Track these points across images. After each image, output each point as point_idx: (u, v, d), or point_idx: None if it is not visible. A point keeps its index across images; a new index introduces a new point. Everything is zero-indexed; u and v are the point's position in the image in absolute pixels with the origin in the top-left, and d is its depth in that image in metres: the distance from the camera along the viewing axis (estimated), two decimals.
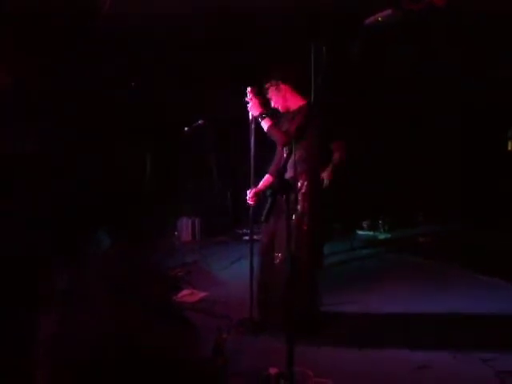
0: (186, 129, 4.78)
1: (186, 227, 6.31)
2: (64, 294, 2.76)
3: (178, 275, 4.58)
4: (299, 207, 3.17)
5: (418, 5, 4.27)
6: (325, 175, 4.77)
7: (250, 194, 3.37)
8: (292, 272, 2.94)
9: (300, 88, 3.34)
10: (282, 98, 3.34)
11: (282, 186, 2.14)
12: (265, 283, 3.28)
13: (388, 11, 4.36)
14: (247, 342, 3.06)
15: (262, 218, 2.17)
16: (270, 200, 2.08)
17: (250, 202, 3.36)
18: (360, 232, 6.73)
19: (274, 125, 3.22)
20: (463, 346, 2.89)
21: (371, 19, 4.46)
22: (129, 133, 5.68)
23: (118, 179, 5.49)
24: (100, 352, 2.09)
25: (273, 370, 2.50)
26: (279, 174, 2.50)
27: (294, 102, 3.32)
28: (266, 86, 3.36)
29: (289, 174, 3.14)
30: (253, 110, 3.25)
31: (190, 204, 6.27)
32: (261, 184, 3.43)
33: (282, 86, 3.34)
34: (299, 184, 3.19)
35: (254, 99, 3.24)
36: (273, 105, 3.36)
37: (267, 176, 3.46)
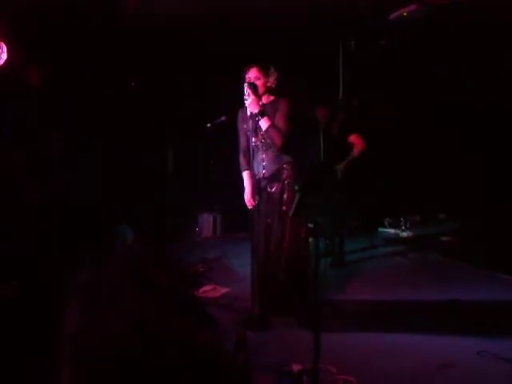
0: (208, 125, 4.80)
1: (207, 223, 6.34)
2: (88, 289, 2.80)
3: (199, 271, 4.61)
4: (285, 196, 3.23)
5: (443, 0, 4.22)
6: (341, 165, 4.75)
7: (246, 199, 3.42)
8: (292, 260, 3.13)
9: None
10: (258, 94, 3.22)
11: (311, 183, 2.15)
12: (264, 276, 3.33)
13: (413, 6, 4.34)
14: (270, 337, 3.08)
15: (291, 212, 2.18)
16: (298, 195, 2.09)
17: (250, 205, 3.41)
18: (382, 229, 6.68)
19: (273, 125, 3.18)
20: (488, 346, 2.84)
21: (396, 14, 4.45)
22: (152, 129, 5.73)
23: (141, 175, 5.54)
24: (124, 346, 2.11)
25: (296, 367, 2.51)
26: (308, 172, 2.53)
27: (264, 98, 3.29)
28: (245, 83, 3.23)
29: (271, 168, 3.25)
30: (252, 107, 3.17)
31: (211, 200, 6.29)
32: (248, 184, 3.44)
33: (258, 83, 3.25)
34: (283, 175, 3.24)
35: (253, 96, 3.16)
36: (249, 102, 3.18)
37: (247, 172, 3.45)
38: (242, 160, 3.48)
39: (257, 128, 3.25)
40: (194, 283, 4.15)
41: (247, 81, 3.23)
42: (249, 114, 3.22)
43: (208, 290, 4.04)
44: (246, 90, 3.18)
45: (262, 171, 3.30)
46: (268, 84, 3.28)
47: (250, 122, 3.22)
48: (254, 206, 3.38)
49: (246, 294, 3.76)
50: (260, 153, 3.30)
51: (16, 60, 4.34)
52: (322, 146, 3.04)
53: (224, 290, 4.04)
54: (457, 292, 3.95)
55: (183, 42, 5.56)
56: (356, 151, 4.77)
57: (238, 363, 2.51)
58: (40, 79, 4.58)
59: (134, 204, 5.32)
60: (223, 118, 4.64)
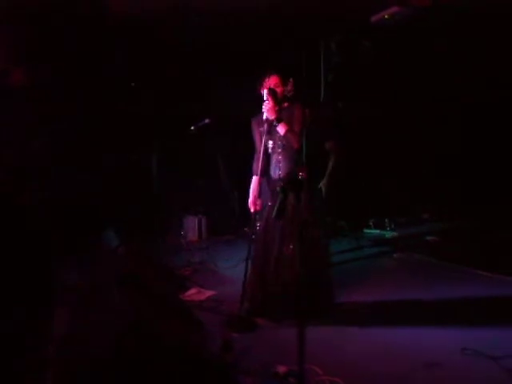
0: (192, 128, 4.79)
1: (192, 226, 6.31)
2: (75, 291, 2.77)
3: (184, 274, 4.59)
4: (302, 197, 3.23)
5: (423, 1, 4.27)
6: (322, 184, 4.82)
7: (250, 203, 3.49)
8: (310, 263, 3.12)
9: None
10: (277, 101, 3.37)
11: (293, 184, 2.16)
12: (265, 278, 3.34)
13: (394, 8, 4.38)
14: (256, 338, 3.07)
15: (273, 214, 2.19)
16: (280, 196, 2.10)
17: (253, 209, 3.48)
18: (367, 230, 6.72)
19: (290, 129, 3.31)
20: (472, 344, 2.87)
21: (377, 16, 4.49)
22: (136, 132, 5.70)
23: (125, 178, 5.50)
24: (112, 348, 2.10)
25: (281, 368, 2.51)
26: (290, 172, 2.57)
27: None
28: (264, 89, 3.37)
29: (287, 170, 3.36)
30: (270, 112, 3.32)
31: (196, 203, 6.27)
32: (254, 188, 3.50)
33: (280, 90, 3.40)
34: (299, 176, 3.31)
35: (272, 102, 3.31)
36: (267, 108, 3.32)
37: (255, 177, 3.51)
38: (254, 164, 3.55)
39: (272, 131, 3.38)
40: (180, 286, 4.13)
41: (268, 87, 3.36)
42: (265, 118, 3.34)
43: (193, 294, 4.03)
44: (266, 95, 3.32)
45: (278, 172, 3.42)
46: (285, 93, 3.43)
47: (265, 125, 3.35)
48: (255, 211, 3.47)
49: (231, 297, 3.76)
50: (276, 155, 3.43)
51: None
52: (304, 148, 3.12)
53: (209, 293, 4.02)
54: (441, 291, 3.99)
55: (170, 43, 5.55)
56: (333, 160, 4.82)
57: (224, 365, 2.50)
58: (25, 79, 4.53)
59: (119, 207, 5.28)
60: (207, 121, 4.65)
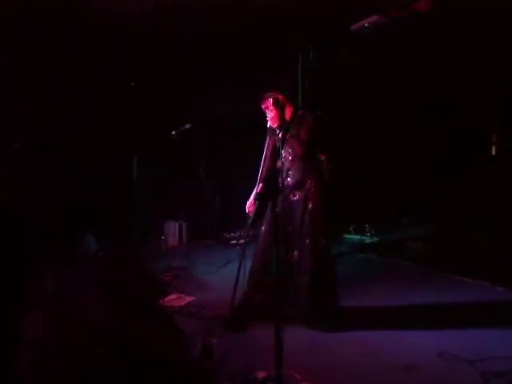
0: (173, 133, 4.78)
1: (172, 231, 6.28)
2: (51, 295, 2.74)
3: (165, 280, 4.56)
4: (310, 206, 3.35)
5: (402, 11, 4.35)
6: None
7: (249, 205, 3.50)
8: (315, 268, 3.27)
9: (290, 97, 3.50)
10: (281, 109, 3.44)
11: (269, 191, 2.18)
12: (264, 282, 3.33)
13: (374, 17, 4.46)
14: (236, 344, 3.06)
15: (249, 221, 2.21)
16: (257, 204, 2.11)
17: (249, 211, 3.49)
18: (347, 236, 6.76)
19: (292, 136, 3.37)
20: (449, 348, 2.92)
21: (358, 25, 4.56)
22: (116, 136, 5.66)
23: (105, 183, 5.46)
24: (88, 353, 2.08)
25: (260, 374, 2.51)
26: (268, 180, 2.60)
27: (289, 112, 3.47)
28: (267, 99, 3.43)
29: (296, 177, 3.41)
30: (273, 121, 3.41)
31: (177, 208, 6.24)
32: (254, 192, 3.51)
33: (281, 97, 3.45)
34: (307, 184, 3.38)
35: (275, 111, 3.39)
36: (270, 117, 3.44)
37: (261, 185, 3.54)
38: (260, 170, 3.57)
39: (283, 140, 3.43)
40: (160, 292, 4.10)
41: (272, 96, 3.40)
42: (268, 126, 3.45)
43: (173, 299, 4.01)
44: (270, 105, 3.39)
45: (287, 179, 3.44)
46: (284, 115, 3.45)
47: (280, 133, 3.43)
48: (250, 213, 3.49)
49: (211, 303, 3.76)
50: (287, 162, 3.45)
51: None
52: (281, 155, 3.17)
53: (189, 299, 4.00)
54: (420, 296, 4.03)
55: (154, 47, 5.54)
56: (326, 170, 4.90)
57: (203, 370, 2.50)
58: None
59: (98, 212, 5.23)
60: (188, 126, 4.65)
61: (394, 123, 6.72)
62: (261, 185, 3.54)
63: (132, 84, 5.85)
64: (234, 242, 6.11)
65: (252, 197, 3.54)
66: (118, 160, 5.67)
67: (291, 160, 3.44)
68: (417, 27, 4.64)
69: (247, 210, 3.53)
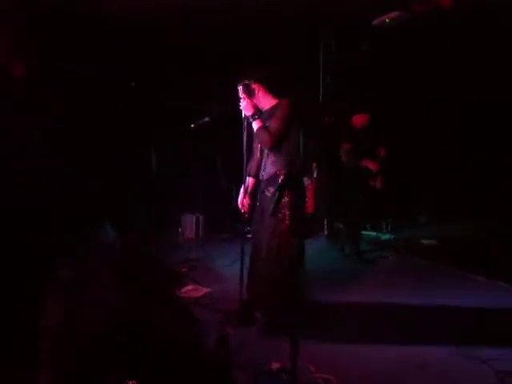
0: (191, 126, 4.81)
1: (189, 224, 6.34)
2: (68, 284, 2.79)
3: (181, 271, 4.61)
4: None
5: (424, 6, 4.31)
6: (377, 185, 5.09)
7: (240, 202, 3.47)
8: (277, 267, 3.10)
9: (275, 88, 3.34)
10: (255, 98, 3.28)
11: (288, 182, 2.18)
12: (254, 276, 3.35)
13: (396, 13, 4.42)
14: (251, 337, 3.10)
15: (270, 211, 2.22)
16: (277, 194, 2.12)
17: (243, 209, 3.46)
18: (364, 232, 6.74)
19: (264, 126, 3.21)
20: (463, 345, 2.91)
21: (379, 20, 4.52)
22: (136, 128, 5.73)
23: (124, 174, 5.53)
24: (104, 341, 2.12)
25: (274, 365, 2.54)
26: (288, 172, 2.54)
27: (266, 102, 3.32)
28: (239, 85, 3.30)
29: (270, 171, 3.24)
30: (246, 109, 3.25)
31: (194, 201, 6.29)
32: (244, 188, 3.47)
33: (254, 86, 3.29)
34: (280, 179, 3.12)
35: (247, 99, 3.24)
36: (243, 105, 3.27)
37: (249, 179, 3.49)
38: (249, 164, 3.49)
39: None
40: (177, 283, 4.15)
41: (242, 83, 3.27)
42: (243, 115, 3.28)
43: (190, 290, 4.05)
44: (241, 92, 3.25)
45: (262, 173, 3.34)
46: (260, 104, 3.30)
47: (245, 123, 3.29)
48: (244, 210, 3.46)
49: (227, 295, 3.79)
50: (264, 155, 3.34)
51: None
52: (301, 147, 3.09)
53: (205, 290, 4.05)
54: (436, 294, 4.02)
55: (168, 40, 5.58)
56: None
57: (218, 359, 2.53)
58: (25, 71, 4.54)
59: (116, 203, 5.30)
60: (207, 119, 4.67)
61: (414, 115, 6.66)
62: (251, 179, 3.47)
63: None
64: (249, 236, 6.14)
65: (241, 193, 3.47)
66: (136, 151, 5.73)
67: (266, 153, 3.30)
68: (438, 22, 4.59)
69: (241, 208, 3.46)
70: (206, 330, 2.88)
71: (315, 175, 5.55)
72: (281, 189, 2.16)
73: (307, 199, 5.81)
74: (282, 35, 5.05)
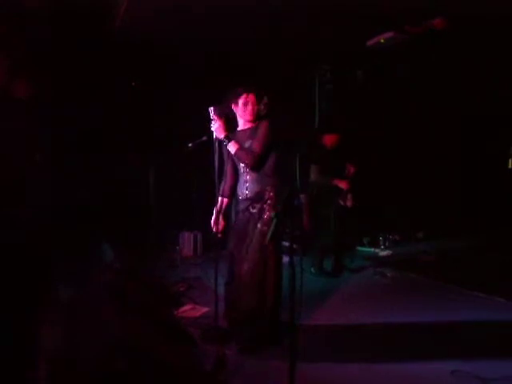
0: (189, 145, 4.83)
1: (187, 241, 6.34)
2: (67, 306, 2.78)
3: (179, 290, 4.60)
4: (265, 216, 3.19)
5: (418, 28, 4.38)
6: (348, 203, 5.02)
7: (213, 223, 3.51)
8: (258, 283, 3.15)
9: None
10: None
11: (287, 209, 2.19)
12: (233, 300, 3.40)
13: (390, 33, 4.49)
14: (249, 359, 3.07)
15: (268, 238, 2.23)
16: (274, 221, 2.13)
17: (215, 229, 3.50)
18: (361, 248, 6.76)
19: (242, 147, 3.24)
20: (463, 366, 2.90)
21: (373, 40, 4.60)
22: (133, 146, 5.75)
23: (121, 192, 5.54)
24: (103, 364, 2.12)
25: None
26: (287, 198, 2.56)
27: (240, 122, 3.39)
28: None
29: (254, 190, 3.28)
30: (218, 132, 3.26)
31: (192, 218, 6.30)
32: (217, 208, 3.51)
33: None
34: (266, 196, 3.21)
35: (218, 121, 3.25)
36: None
37: (222, 199, 3.53)
38: (221, 184, 3.52)
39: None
40: (174, 302, 4.14)
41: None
42: (214, 137, 3.30)
43: (188, 310, 4.04)
44: (212, 115, 3.26)
45: (245, 192, 3.34)
46: (259, 112, 3.34)
47: (216, 144, 3.33)
48: (217, 231, 3.51)
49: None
50: (244, 174, 3.35)
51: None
52: (297, 171, 3.11)
53: (204, 310, 4.04)
54: (434, 312, 4.01)
55: (165, 59, 5.64)
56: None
57: (216, 383, 2.52)
58: (27, 91, 4.57)
59: (114, 222, 5.30)
60: (205, 138, 4.69)
61: (409, 131, 6.73)
62: (225, 200, 3.50)
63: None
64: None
65: (214, 214, 3.50)
66: (134, 170, 5.76)
67: (248, 171, 3.31)
68: (433, 43, 4.65)
69: (214, 229, 3.50)
70: (204, 353, 2.88)
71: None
72: (278, 216, 2.16)
73: (304, 216, 5.85)
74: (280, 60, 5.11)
